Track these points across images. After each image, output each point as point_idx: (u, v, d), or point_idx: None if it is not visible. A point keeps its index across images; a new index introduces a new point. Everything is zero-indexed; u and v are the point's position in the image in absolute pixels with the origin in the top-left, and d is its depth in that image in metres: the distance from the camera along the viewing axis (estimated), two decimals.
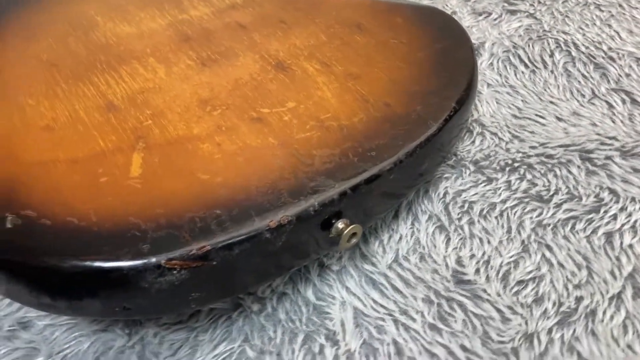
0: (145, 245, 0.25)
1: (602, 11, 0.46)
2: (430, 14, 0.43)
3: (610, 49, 0.43)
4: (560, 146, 0.37)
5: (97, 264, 0.24)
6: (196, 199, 0.27)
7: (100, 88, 0.34)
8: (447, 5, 0.49)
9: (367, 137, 0.31)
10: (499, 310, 0.29)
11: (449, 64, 0.38)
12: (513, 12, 0.47)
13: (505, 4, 0.48)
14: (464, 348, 0.28)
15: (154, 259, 0.24)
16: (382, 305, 0.30)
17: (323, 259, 0.32)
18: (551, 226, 0.33)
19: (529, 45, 0.44)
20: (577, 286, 0.30)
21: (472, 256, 0.32)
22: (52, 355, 0.29)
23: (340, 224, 0.28)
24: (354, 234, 0.28)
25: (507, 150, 0.37)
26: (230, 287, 0.28)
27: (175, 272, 0.25)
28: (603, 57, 0.42)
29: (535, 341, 0.28)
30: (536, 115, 0.40)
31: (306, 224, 0.27)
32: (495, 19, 0.47)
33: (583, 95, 0.41)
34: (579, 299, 0.30)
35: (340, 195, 0.28)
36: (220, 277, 0.26)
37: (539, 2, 0.48)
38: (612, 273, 0.31)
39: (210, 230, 0.26)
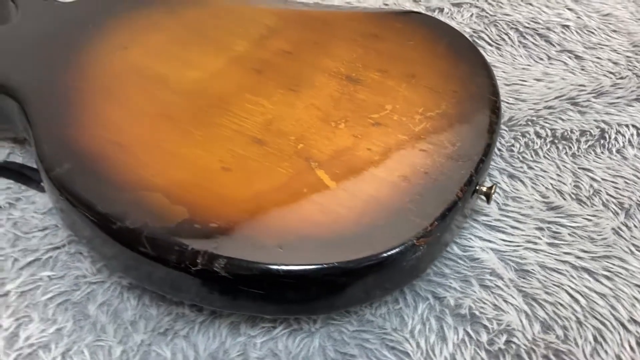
0: (395, 232, 0.31)
1: None
2: (416, 17, 0.51)
3: (543, 21, 0.57)
4: (554, 98, 0.49)
5: (380, 254, 0.30)
6: (395, 192, 0.34)
7: (232, 127, 0.38)
8: (403, 7, 0.59)
9: (463, 118, 0.40)
10: (588, 219, 0.41)
11: (461, 51, 0.47)
12: (459, 5, 0.59)
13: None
14: (583, 251, 0.39)
15: (411, 241, 0.31)
16: (510, 241, 0.40)
17: None
18: (582, 156, 0.45)
19: (487, 29, 0.56)
20: (622, 190, 0.43)
21: (547, 189, 0.43)
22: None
23: (483, 187, 0.37)
24: (495, 190, 0.37)
25: (520, 109, 0.49)
26: (440, 252, 0.35)
27: (421, 248, 0.31)
28: (542, 29, 0.56)
29: (621, 232, 0.40)
30: (520, 80, 0.52)
31: (471, 188, 0.36)
32: (448, 13, 0.58)
33: (542, 59, 0.54)
34: (629, 197, 0.42)
35: (481, 162, 0.37)
36: (438, 246, 0.34)
37: None
38: (636, 175, 0.44)
39: (426, 210, 0.33)
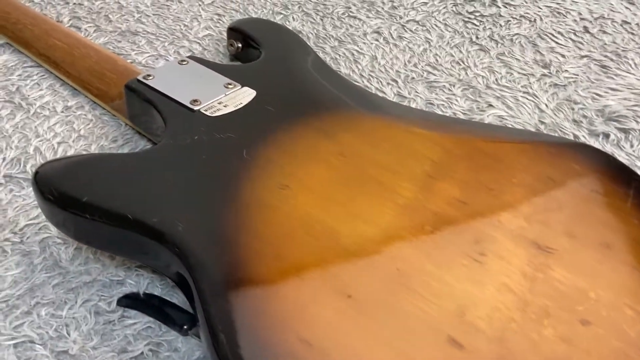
0: None
1: None
2: (594, 155, 0.46)
3: None
4: None
5: None
6: None
7: (422, 317, 0.34)
8: (563, 131, 0.54)
9: None
10: None
11: None
12: (626, 131, 0.53)
13: (615, 123, 0.54)
14: None
15: None
16: None
17: None
18: None
19: None
20: None
21: None
22: None
23: None
24: None
25: None
26: None
27: None
28: None
29: None
30: None
31: None
32: (614, 140, 0.53)
33: None
34: None
35: None
36: None
37: (638, 116, 0.54)
38: None
39: None
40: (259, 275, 0.35)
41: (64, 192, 0.39)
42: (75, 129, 0.55)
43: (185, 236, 0.37)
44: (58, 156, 0.52)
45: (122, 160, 0.42)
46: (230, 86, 0.51)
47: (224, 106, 0.49)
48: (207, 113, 0.48)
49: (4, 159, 0.53)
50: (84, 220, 0.39)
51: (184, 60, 0.54)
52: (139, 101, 0.50)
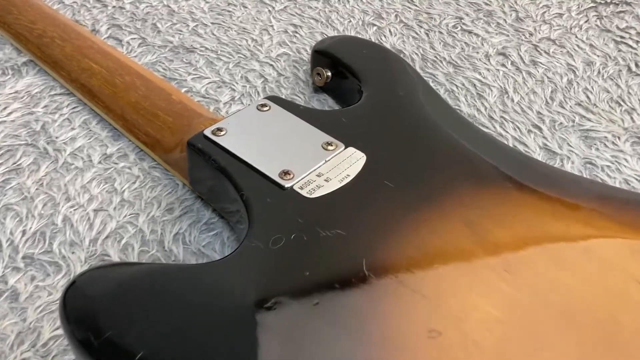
0: None
1: None
2: None
3: None
4: None
5: None
6: None
7: None
8: None
9: None
10: None
11: None
12: None
13: None
14: None
15: None
16: None
17: None
18: None
19: None
20: None
21: None
22: None
23: None
24: None
25: None
26: None
27: None
28: None
29: None
30: None
31: None
32: None
33: None
34: None
35: None
36: None
37: None
38: None
39: None
40: None
41: (110, 339, 0.26)
42: (117, 189, 0.42)
43: None
44: (94, 231, 0.39)
45: (196, 280, 0.28)
46: (330, 147, 0.37)
47: (325, 180, 0.35)
48: (303, 192, 0.34)
49: (23, 232, 0.40)
50: None
51: (265, 105, 0.40)
52: (206, 167, 0.36)
